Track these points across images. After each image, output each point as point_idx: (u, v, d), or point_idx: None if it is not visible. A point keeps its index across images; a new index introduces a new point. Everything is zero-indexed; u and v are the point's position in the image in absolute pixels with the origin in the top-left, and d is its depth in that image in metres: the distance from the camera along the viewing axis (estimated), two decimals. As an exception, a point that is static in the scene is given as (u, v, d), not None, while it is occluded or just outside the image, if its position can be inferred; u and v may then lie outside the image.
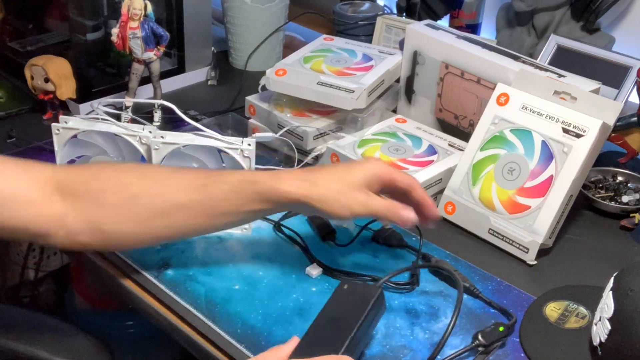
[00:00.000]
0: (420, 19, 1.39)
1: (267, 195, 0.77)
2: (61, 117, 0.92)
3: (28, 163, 0.79)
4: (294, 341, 0.69)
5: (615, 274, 0.75)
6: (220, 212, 0.78)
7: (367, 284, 0.82)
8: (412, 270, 0.88)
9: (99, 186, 0.77)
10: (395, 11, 1.47)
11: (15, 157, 0.79)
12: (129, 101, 1.17)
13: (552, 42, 1.27)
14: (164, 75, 1.30)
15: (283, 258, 0.92)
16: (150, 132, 0.91)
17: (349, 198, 0.76)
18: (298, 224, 0.97)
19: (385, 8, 1.52)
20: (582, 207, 1.04)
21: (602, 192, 1.07)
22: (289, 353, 0.68)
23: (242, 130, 1.19)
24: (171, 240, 0.89)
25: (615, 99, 1.18)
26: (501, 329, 0.79)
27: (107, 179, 0.78)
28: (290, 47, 1.50)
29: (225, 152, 0.90)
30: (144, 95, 1.27)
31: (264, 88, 1.19)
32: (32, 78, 1.18)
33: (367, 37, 1.38)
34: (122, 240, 0.80)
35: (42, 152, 1.10)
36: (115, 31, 1.13)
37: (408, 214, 0.78)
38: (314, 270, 0.88)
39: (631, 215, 1.02)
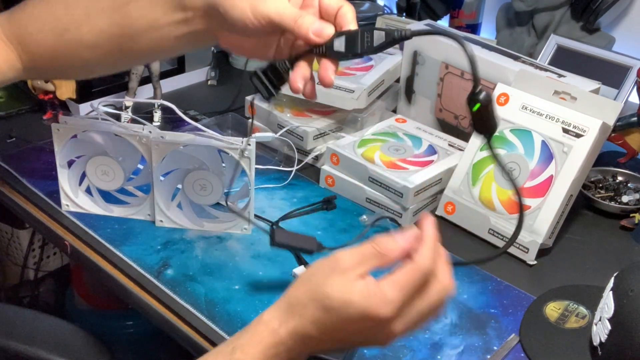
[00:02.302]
0: (420, 19, 1.40)
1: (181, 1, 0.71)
2: (61, 117, 0.92)
3: None
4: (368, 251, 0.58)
5: (615, 274, 0.76)
6: (140, 29, 0.73)
7: None
8: None
9: (34, 27, 0.77)
10: (395, 11, 1.48)
11: None
12: (129, 101, 1.17)
13: (552, 42, 1.27)
14: (164, 75, 1.30)
15: (283, 258, 0.92)
16: (150, 132, 0.91)
17: (254, 6, 0.67)
18: (298, 224, 0.97)
19: (385, 8, 1.53)
20: (582, 207, 1.04)
21: (602, 192, 1.07)
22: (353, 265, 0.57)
23: (242, 130, 1.19)
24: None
25: (615, 99, 1.18)
26: None
27: (39, 17, 0.77)
28: (290, 47, 1.50)
29: (225, 152, 0.90)
30: (144, 95, 1.27)
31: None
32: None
33: (367, 37, 1.38)
34: (67, 75, 0.85)
35: (42, 152, 1.10)
36: (115, 31, 1.13)
37: (320, 27, 0.67)
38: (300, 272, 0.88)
39: (631, 215, 1.02)
